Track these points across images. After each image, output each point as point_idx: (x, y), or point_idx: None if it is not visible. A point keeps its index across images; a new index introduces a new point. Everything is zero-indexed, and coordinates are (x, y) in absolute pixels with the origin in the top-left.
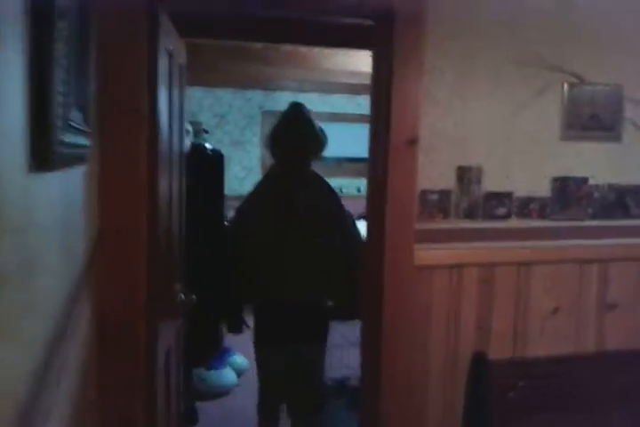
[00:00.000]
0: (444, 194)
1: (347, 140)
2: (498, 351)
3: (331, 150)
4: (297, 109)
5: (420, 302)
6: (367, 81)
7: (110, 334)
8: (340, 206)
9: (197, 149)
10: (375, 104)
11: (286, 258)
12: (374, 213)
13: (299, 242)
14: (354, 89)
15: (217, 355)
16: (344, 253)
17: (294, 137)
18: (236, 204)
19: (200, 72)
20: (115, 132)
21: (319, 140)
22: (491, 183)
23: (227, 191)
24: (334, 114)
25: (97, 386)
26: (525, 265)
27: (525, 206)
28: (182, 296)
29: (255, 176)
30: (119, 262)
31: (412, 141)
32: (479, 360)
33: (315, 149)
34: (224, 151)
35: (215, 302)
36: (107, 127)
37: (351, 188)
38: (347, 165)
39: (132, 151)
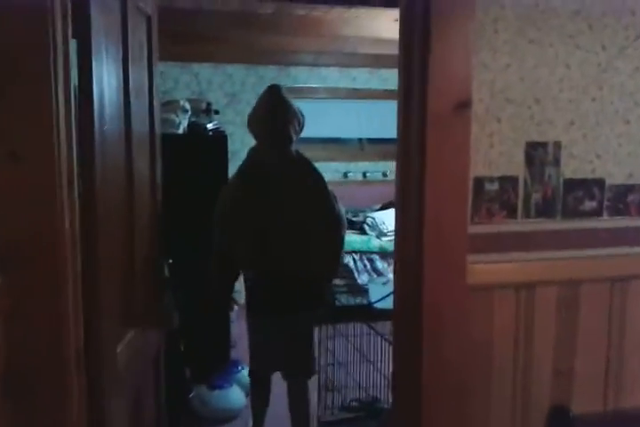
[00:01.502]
0: (508, 182)
1: (371, 118)
2: (584, 403)
3: (352, 131)
4: (274, 91)
5: (475, 337)
6: (393, 50)
7: (24, 400)
8: (322, 185)
9: (194, 129)
10: (406, 50)
11: (272, 232)
12: (406, 211)
13: (283, 217)
14: (377, 61)
15: (223, 369)
16: (324, 226)
17: (274, 119)
18: None
19: (203, 44)
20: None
21: (299, 121)
22: (574, 166)
23: None
24: (356, 90)
25: None
26: (622, 281)
27: (622, 199)
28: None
29: None
30: (32, 294)
31: (463, 105)
32: (559, 416)
33: (294, 131)
34: (236, 133)
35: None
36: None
37: (376, 172)
38: (370, 146)
39: (42, 136)
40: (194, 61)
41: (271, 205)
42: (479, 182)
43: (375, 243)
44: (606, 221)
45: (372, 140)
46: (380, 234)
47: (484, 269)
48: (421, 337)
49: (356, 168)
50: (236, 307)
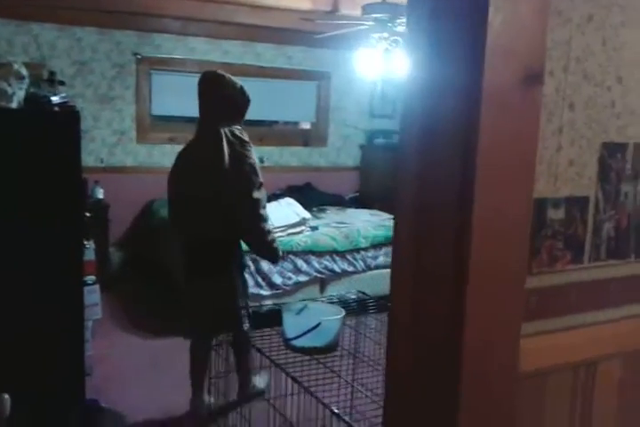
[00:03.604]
0: (576, 207)
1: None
2: None
3: None
4: (207, 75)
5: None
6: (271, 22)
7: None
8: (219, 155)
9: (35, 103)
10: None
11: (186, 201)
12: (424, 256)
13: (195, 189)
14: (254, 34)
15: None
16: (214, 195)
17: (202, 103)
18: (107, 178)
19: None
20: None
21: (230, 105)
22: None
23: (91, 162)
24: (228, 65)
25: None
26: None
27: None
28: None
29: (130, 142)
30: None
31: (534, 77)
32: None
33: (223, 112)
34: (87, 108)
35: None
36: None
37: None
38: (244, 129)
39: None
40: (32, 20)
41: (182, 174)
42: (541, 207)
43: None
44: None
45: (246, 122)
46: None
47: (541, 344)
48: None
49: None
50: (89, 323)
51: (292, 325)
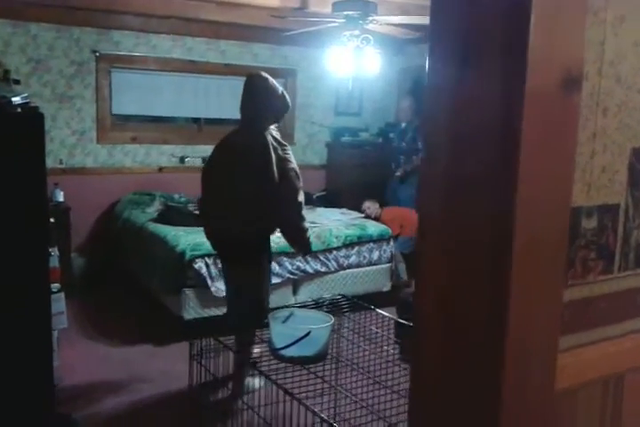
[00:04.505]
0: (608, 215)
1: (209, 96)
2: None
3: (188, 110)
4: (248, 80)
5: None
6: (238, 19)
7: None
8: (266, 160)
9: None
10: None
11: (220, 195)
12: (456, 268)
13: (230, 183)
14: (218, 31)
15: None
16: (258, 195)
17: (242, 103)
18: (67, 180)
19: None
20: None
21: (266, 105)
22: None
23: (50, 164)
24: (192, 62)
25: None
26: None
27: None
28: None
29: (91, 142)
30: None
31: (573, 81)
32: None
33: (259, 113)
34: (45, 109)
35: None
36: None
37: None
38: (209, 128)
39: None
40: None
41: (223, 174)
42: (576, 217)
43: None
44: None
45: (210, 121)
46: None
47: (575, 359)
48: None
49: (194, 152)
50: (55, 332)
51: (280, 334)
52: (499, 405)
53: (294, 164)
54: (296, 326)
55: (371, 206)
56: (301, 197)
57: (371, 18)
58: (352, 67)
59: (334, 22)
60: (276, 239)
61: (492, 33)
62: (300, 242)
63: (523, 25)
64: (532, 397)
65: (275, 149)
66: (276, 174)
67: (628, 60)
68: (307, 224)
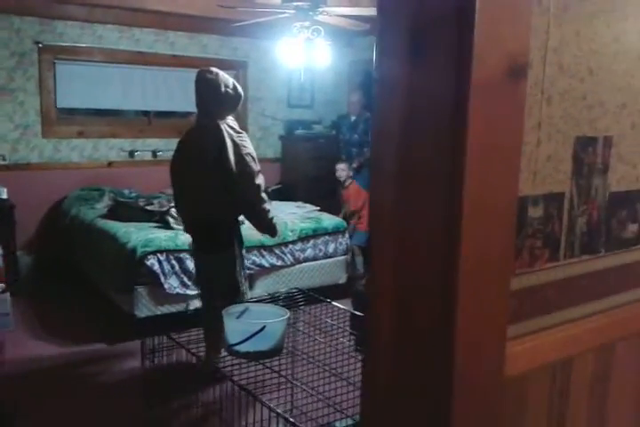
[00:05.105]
0: (554, 203)
1: (158, 88)
2: None
3: (137, 102)
4: (198, 76)
5: None
6: (184, 9)
7: None
8: (220, 148)
9: None
10: None
11: (185, 187)
12: (409, 256)
13: (202, 178)
14: (165, 21)
15: None
16: (217, 181)
17: (196, 98)
18: (10, 176)
19: None
20: None
21: (218, 98)
22: (620, 173)
23: None
24: (140, 54)
25: None
26: None
27: None
28: None
29: (35, 137)
30: None
31: (518, 70)
32: None
33: (213, 106)
34: None
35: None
36: None
37: (167, 151)
38: (159, 121)
39: None
40: None
41: (186, 164)
42: (523, 206)
43: (184, 239)
44: None
45: (160, 114)
46: None
47: (523, 347)
48: None
49: (144, 146)
50: None
51: (235, 329)
52: (450, 393)
53: (250, 148)
54: (250, 321)
55: (344, 170)
56: (259, 180)
57: (321, 9)
58: (303, 58)
59: (284, 13)
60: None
61: (438, 23)
62: (263, 224)
63: (468, 14)
64: (482, 384)
65: (230, 136)
66: (232, 161)
67: (571, 48)
68: (268, 206)
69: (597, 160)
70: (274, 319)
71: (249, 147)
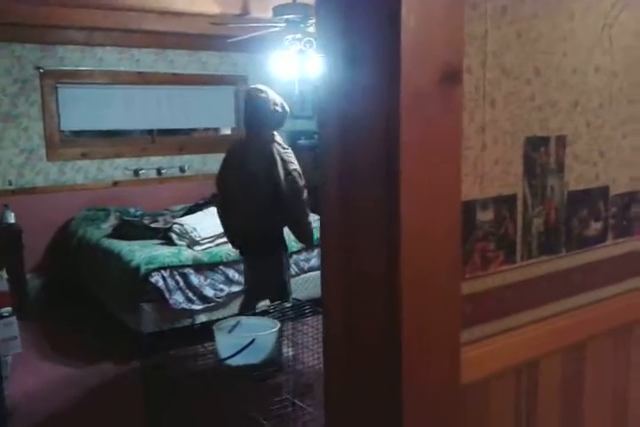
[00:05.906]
0: (505, 206)
1: (160, 107)
2: None
3: (140, 122)
4: (249, 94)
5: None
6: (181, 27)
7: None
8: (271, 166)
9: None
10: None
11: (235, 201)
12: (354, 264)
13: (242, 190)
14: (164, 41)
15: None
16: (271, 196)
17: (245, 115)
18: (17, 200)
19: None
20: None
21: (267, 116)
22: (578, 172)
23: None
24: (140, 74)
25: None
26: (624, 329)
27: (625, 213)
28: None
29: (40, 161)
30: None
31: (452, 76)
32: None
33: (262, 123)
34: None
35: None
36: None
37: (171, 168)
38: (162, 139)
39: None
40: None
41: (236, 180)
42: (469, 210)
43: (187, 254)
44: (612, 248)
45: (163, 132)
46: (193, 243)
47: (482, 351)
48: None
49: (149, 164)
50: (8, 358)
51: (226, 344)
52: (400, 403)
53: (296, 164)
54: (241, 334)
55: None
56: (305, 195)
57: (311, 21)
58: (296, 70)
59: (276, 27)
60: (200, 255)
61: (370, 33)
62: (303, 235)
63: (394, 23)
64: (435, 393)
65: (279, 153)
66: (282, 176)
67: (513, 50)
68: (310, 219)
69: (551, 160)
70: (264, 332)
71: (295, 163)
